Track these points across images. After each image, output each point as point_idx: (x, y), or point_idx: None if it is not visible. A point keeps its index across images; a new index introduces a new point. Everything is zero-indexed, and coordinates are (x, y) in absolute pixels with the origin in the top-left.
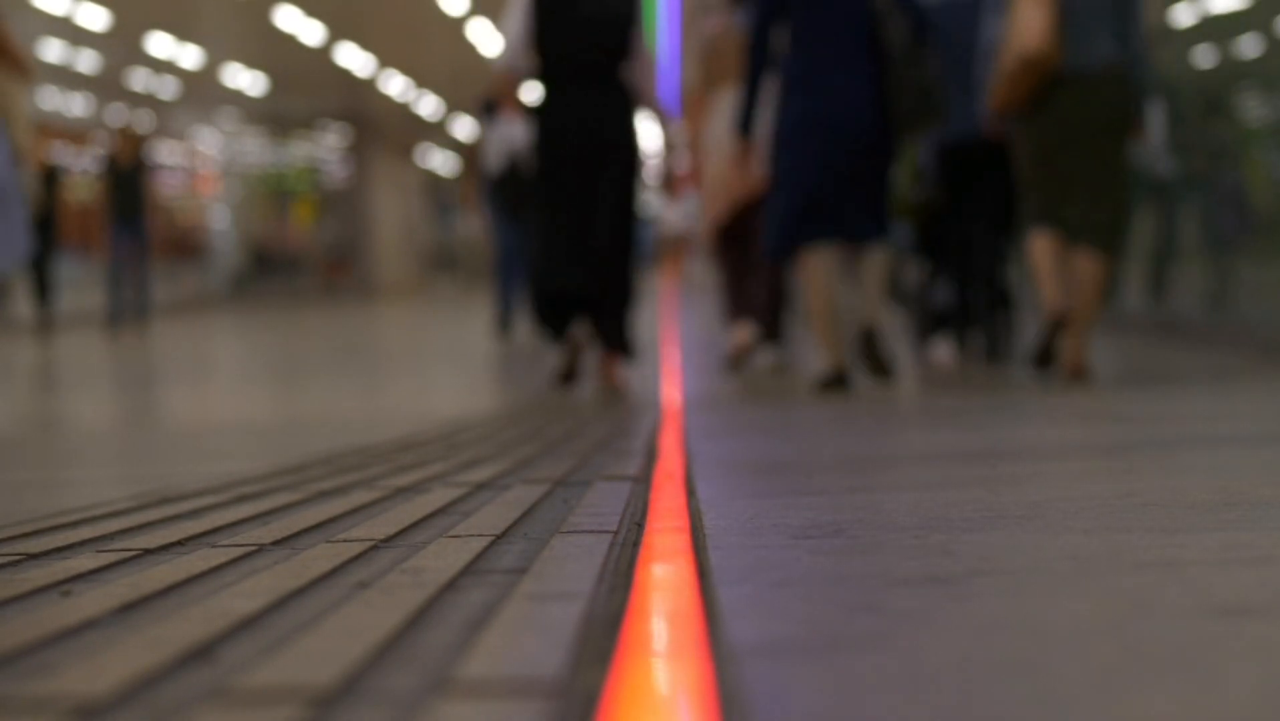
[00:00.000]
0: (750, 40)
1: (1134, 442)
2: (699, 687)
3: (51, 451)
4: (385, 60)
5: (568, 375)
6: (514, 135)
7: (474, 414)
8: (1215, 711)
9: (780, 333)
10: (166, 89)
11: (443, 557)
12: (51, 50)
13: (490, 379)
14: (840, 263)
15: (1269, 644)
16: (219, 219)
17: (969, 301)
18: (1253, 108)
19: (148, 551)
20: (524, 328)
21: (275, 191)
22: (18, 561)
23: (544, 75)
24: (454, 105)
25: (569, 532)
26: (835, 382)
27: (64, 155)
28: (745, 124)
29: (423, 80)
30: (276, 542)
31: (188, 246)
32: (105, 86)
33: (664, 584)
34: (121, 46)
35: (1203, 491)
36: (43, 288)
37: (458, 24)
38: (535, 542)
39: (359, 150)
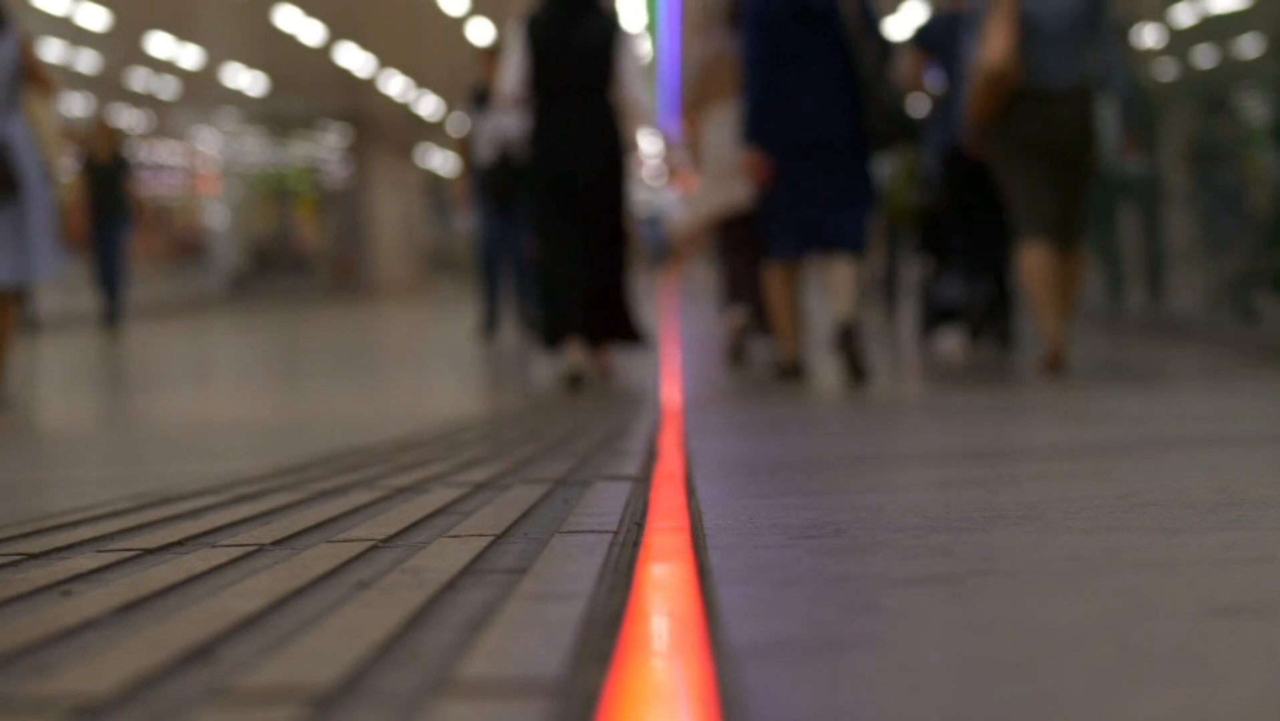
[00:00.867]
0: (746, 60)
1: (1134, 442)
2: (699, 687)
3: (51, 451)
4: (385, 60)
5: (575, 379)
6: (505, 125)
7: (474, 414)
8: (1215, 711)
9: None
10: (166, 89)
11: (443, 557)
12: (51, 50)
13: (490, 379)
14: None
15: (1269, 644)
16: (219, 219)
17: (975, 296)
18: (1252, 108)
19: (148, 551)
20: (511, 330)
21: (275, 191)
22: (18, 561)
23: (538, 97)
24: (454, 105)
25: (569, 532)
26: (790, 371)
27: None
28: (748, 134)
29: (423, 80)
30: (276, 542)
31: (188, 246)
32: (105, 86)
33: (664, 584)
34: (121, 46)
35: (1202, 491)
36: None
37: (458, 24)
38: (535, 542)
39: (359, 150)
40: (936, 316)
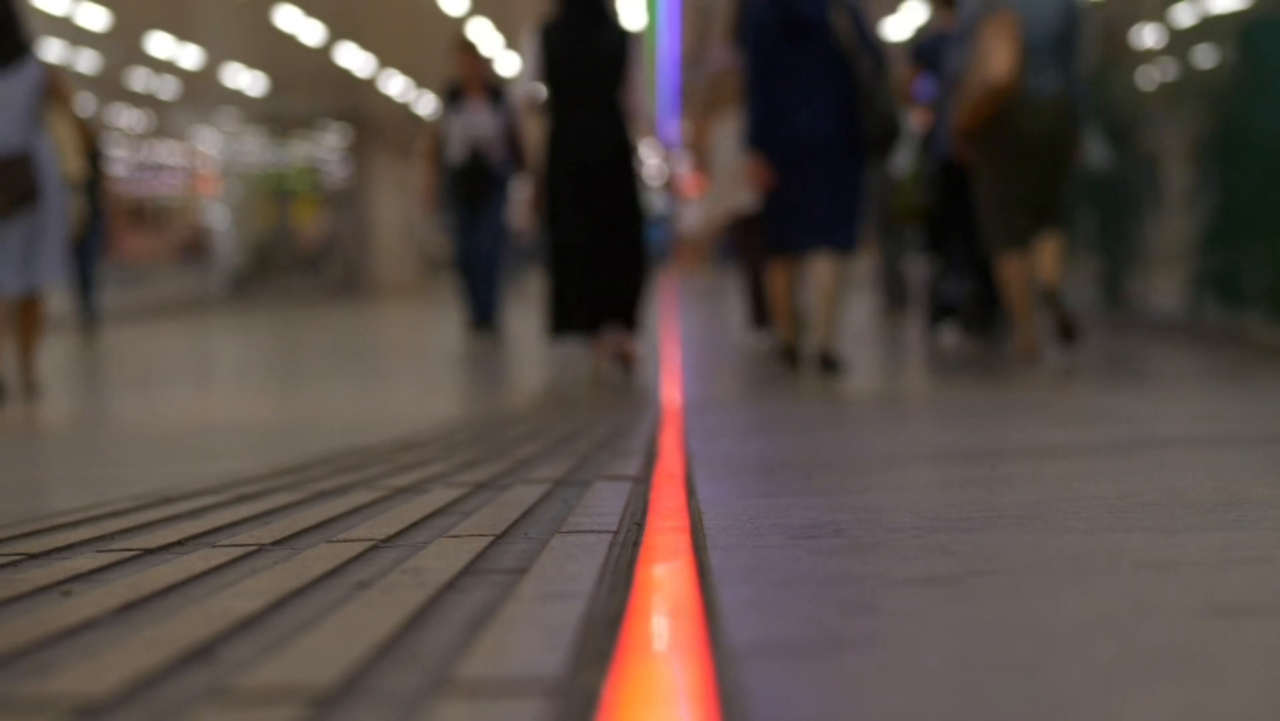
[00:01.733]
0: (748, 72)
1: (1134, 442)
2: (699, 687)
3: (51, 451)
4: (385, 60)
5: (596, 377)
6: (477, 123)
7: (474, 414)
8: (1215, 711)
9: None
10: (166, 89)
11: (443, 557)
12: (51, 50)
13: (489, 379)
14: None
15: (1269, 644)
16: (219, 219)
17: (977, 293)
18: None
19: (148, 551)
20: (500, 329)
21: (275, 191)
22: (18, 561)
23: (553, 102)
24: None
25: (569, 532)
26: (789, 355)
27: None
28: (752, 141)
29: (423, 80)
30: (276, 542)
31: (188, 246)
32: (105, 86)
33: (664, 584)
34: (121, 46)
35: (1202, 491)
36: None
37: (458, 24)
38: (535, 542)
39: (359, 150)
40: (941, 312)
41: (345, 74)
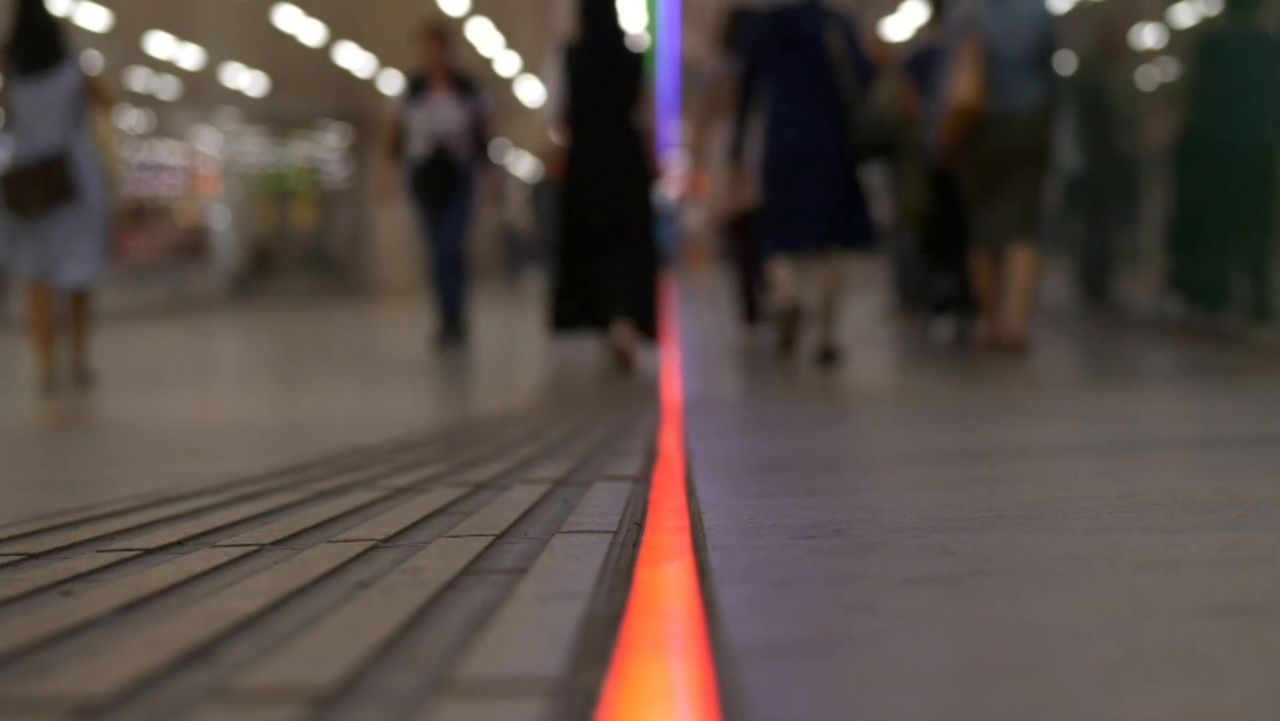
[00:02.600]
0: (739, 87)
1: (1134, 442)
2: (699, 687)
3: (51, 451)
4: (385, 60)
5: (622, 363)
6: (441, 116)
7: (474, 414)
8: (1215, 711)
9: (757, 316)
10: (166, 89)
11: (443, 557)
12: None
13: (490, 379)
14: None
15: (1269, 644)
16: (219, 219)
17: (968, 291)
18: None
19: (148, 551)
20: (468, 338)
21: (275, 191)
22: (18, 561)
23: (573, 116)
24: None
25: (569, 532)
26: (789, 314)
27: None
28: (735, 153)
29: None
30: (276, 542)
31: (188, 246)
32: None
33: (664, 584)
34: (121, 46)
35: (1202, 491)
36: None
37: (458, 24)
38: (535, 542)
39: (359, 150)
40: (938, 308)
41: (345, 74)
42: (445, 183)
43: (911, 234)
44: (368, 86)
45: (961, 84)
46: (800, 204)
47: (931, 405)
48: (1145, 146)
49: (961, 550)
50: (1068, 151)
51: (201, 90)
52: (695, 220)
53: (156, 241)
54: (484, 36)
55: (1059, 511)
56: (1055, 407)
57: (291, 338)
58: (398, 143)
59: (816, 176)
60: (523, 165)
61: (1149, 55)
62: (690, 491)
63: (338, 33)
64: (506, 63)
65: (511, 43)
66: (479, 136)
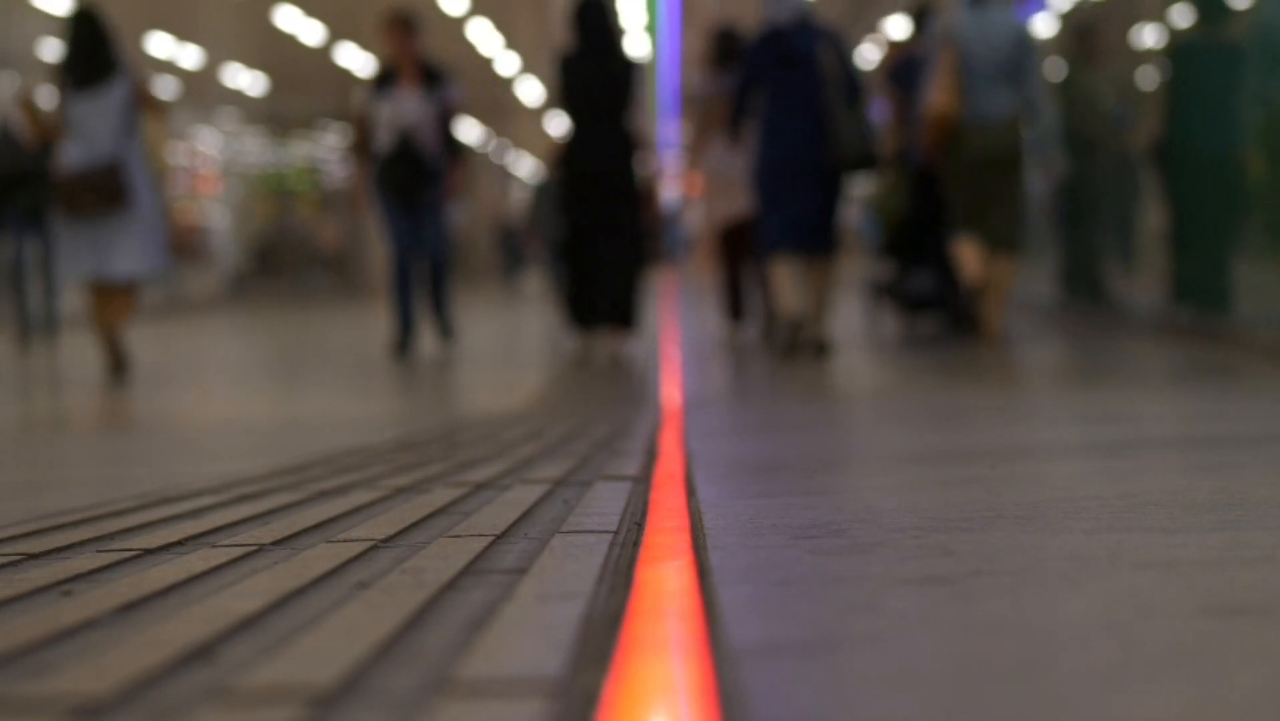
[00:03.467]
0: (732, 100)
1: (1134, 442)
2: (699, 687)
3: (51, 451)
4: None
5: (584, 361)
6: (408, 109)
7: (474, 414)
8: (1215, 711)
9: (743, 314)
10: (166, 89)
11: (443, 557)
12: (52, 50)
13: (489, 379)
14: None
15: (1269, 644)
16: (219, 219)
17: (945, 288)
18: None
19: (148, 551)
20: (427, 344)
21: (275, 191)
22: (18, 561)
23: (572, 120)
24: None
25: (569, 532)
26: (796, 327)
27: None
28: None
29: None
30: (276, 542)
31: (188, 247)
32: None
33: (664, 584)
34: (121, 46)
35: (1202, 491)
36: None
37: (458, 24)
38: (535, 543)
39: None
40: (914, 306)
41: (345, 74)
42: (412, 178)
43: (883, 236)
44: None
45: (934, 94)
46: (792, 211)
47: (931, 405)
48: (1130, 148)
49: (961, 550)
50: (1057, 157)
51: (201, 90)
52: (695, 221)
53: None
54: (484, 36)
55: (1059, 511)
56: (1055, 407)
57: (291, 337)
58: (367, 140)
59: (806, 187)
60: (523, 165)
61: (1130, 59)
62: (690, 491)
63: (338, 33)
64: (506, 63)
65: (511, 43)
66: (446, 129)
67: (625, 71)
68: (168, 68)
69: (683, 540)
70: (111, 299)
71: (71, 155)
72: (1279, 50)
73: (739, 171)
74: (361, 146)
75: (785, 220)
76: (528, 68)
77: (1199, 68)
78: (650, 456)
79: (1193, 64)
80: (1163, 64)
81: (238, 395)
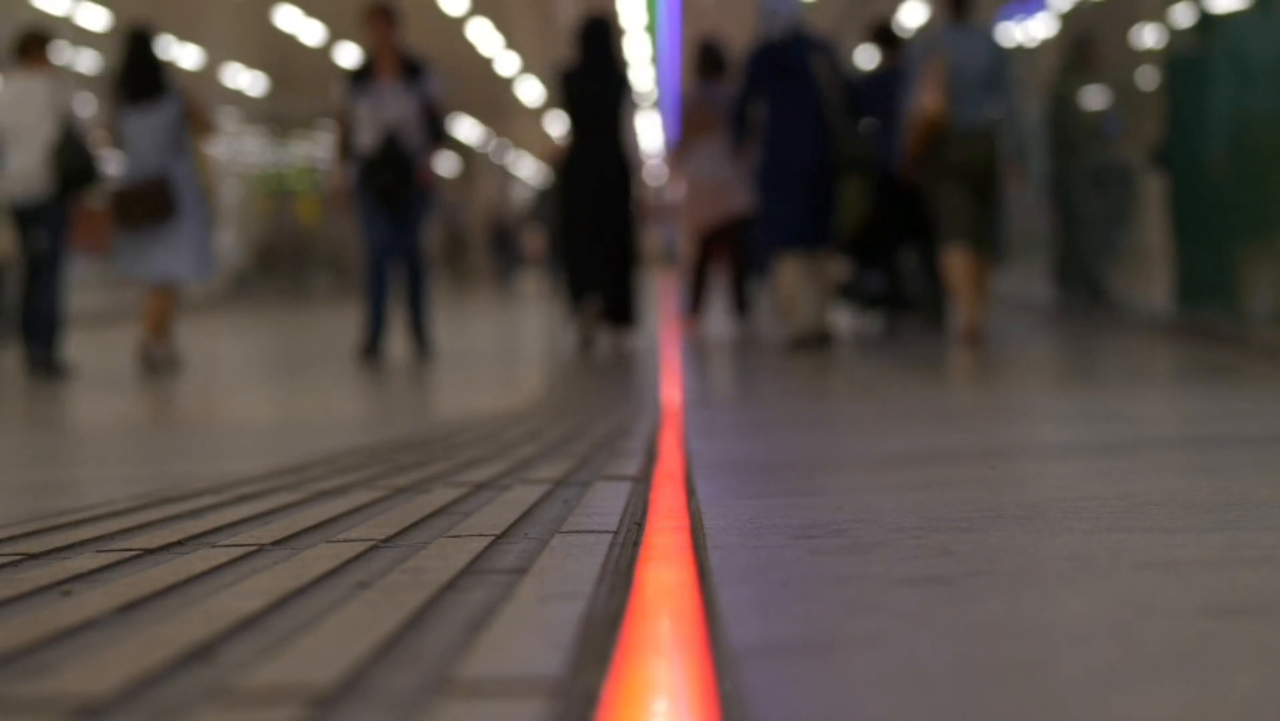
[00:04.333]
0: (734, 108)
1: (1134, 442)
2: (699, 687)
3: (51, 451)
4: None
5: (587, 341)
6: (389, 105)
7: (474, 414)
8: (1215, 711)
9: (746, 306)
10: None
11: (443, 557)
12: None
13: (489, 379)
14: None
15: (1269, 644)
16: (219, 219)
17: (899, 288)
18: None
19: (148, 551)
20: (396, 349)
21: (275, 191)
22: (18, 561)
23: (572, 133)
24: (454, 105)
25: (569, 532)
26: (801, 344)
27: None
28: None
29: None
30: (276, 542)
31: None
32: (106, 86)
33: (664, 584)
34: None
35: (1202, 491)
36: None
37: (458, 24)
38: (535, 542)
39: None
40: (867, 304)
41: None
42: (398, 178)
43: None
44: None
45: (927, 99)
46: (794, 211)
47: (930, 405)
48: (1124, 152)
49: (961, 550)
50: (1028, 167)
51: (201, 90)
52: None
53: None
54: (484, 36)
55: (1059, 511)
56: (1054, 407)
57: (290, 337)
58: (348, 138)
59: (806, 188)
60: (523, 165)
61: (1129, 60)
62: (690, 491)
63: (338, 33)
64: (506, 63)
65: (511, 43)
66: (430, 124)
67: (622, 89)
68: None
69: (683, 540)
70: (156, 298)
71: (122, 168)
72: (1247, 64)
73: (720, 177)
74: (342, 145)
75: (788, 221)
76: (528, 68)
77: (1192, 82)
78: (650, 456)
79: (1187, 78)
80: (1161, 67)
81: (237, 395)
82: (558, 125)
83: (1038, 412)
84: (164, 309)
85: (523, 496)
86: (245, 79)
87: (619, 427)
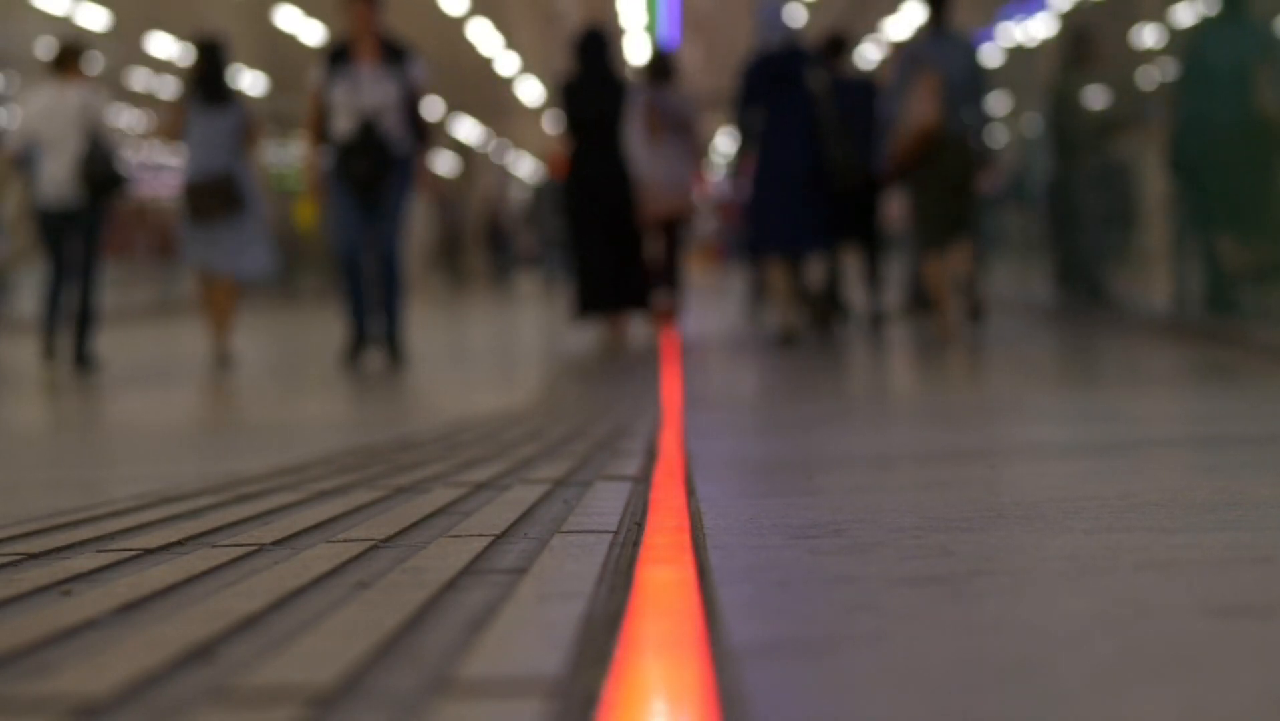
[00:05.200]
0: (738, 120)
1: (1134, 442)
2: (699, 687)
3: (51, 451)
4: None
5: (613, 349)
6: (368, 90)
7: (474, 414)
8: (1215, 711)
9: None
10: (167, 89)
11: (443, 557)
12: (52, 50)
13: (490, 379)
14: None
15: (1269, 644)
16: None
17: (827, 294)
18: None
19: (148, 551)
20: (403, 350)
21: (275, 191)
22: (18, 561)
23: (575, 139)
24: (454, 105)
25: (569, 532)
26: (787, 340)
27: None
28: (741, 154)
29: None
30: (276, 542)
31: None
32: (105, 86)
33: (664, 584)
34: (121, 46)
35: (1202, 491)
36: None
37: (458, 24)
38: (535, 542)
39: None
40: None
41: None
42: (375, 168)
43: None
44: None
45: (925, 110)
46: (788, 213)
47: (930, 405)
48: (1124, 150)
49: (961, 550)
50: (1000, 169)
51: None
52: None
53: (156, 241)
54: (484, 36)
55: (1059, 511)
56: (1054, 407)
57: (290, 337)
58: (322, 124)
59: (796, 193)
60: (523, 165)
61: (1129, 60)
62: (690, 491)
63: (338, 33)
64: (506, 63)
65: (511, 43)
66: (412, 114)
67: (620, 97)
68: (168, 68)
69: (683, 540)
70: (221, 292)
71: (189, 165)
72: (1213, 74)
73: (660, 175)
74: (316, 130)
75: (776, 226)
76: (528, 68)
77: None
78: (650, 456)
79: (1212, 43)
80: (1182, 49)
81: (237, 394)
82: (560, 134)
83: (1038, 412)
84: (230, 305)
85: (523, 496)
86: (245, 79)
87: (619, 427)
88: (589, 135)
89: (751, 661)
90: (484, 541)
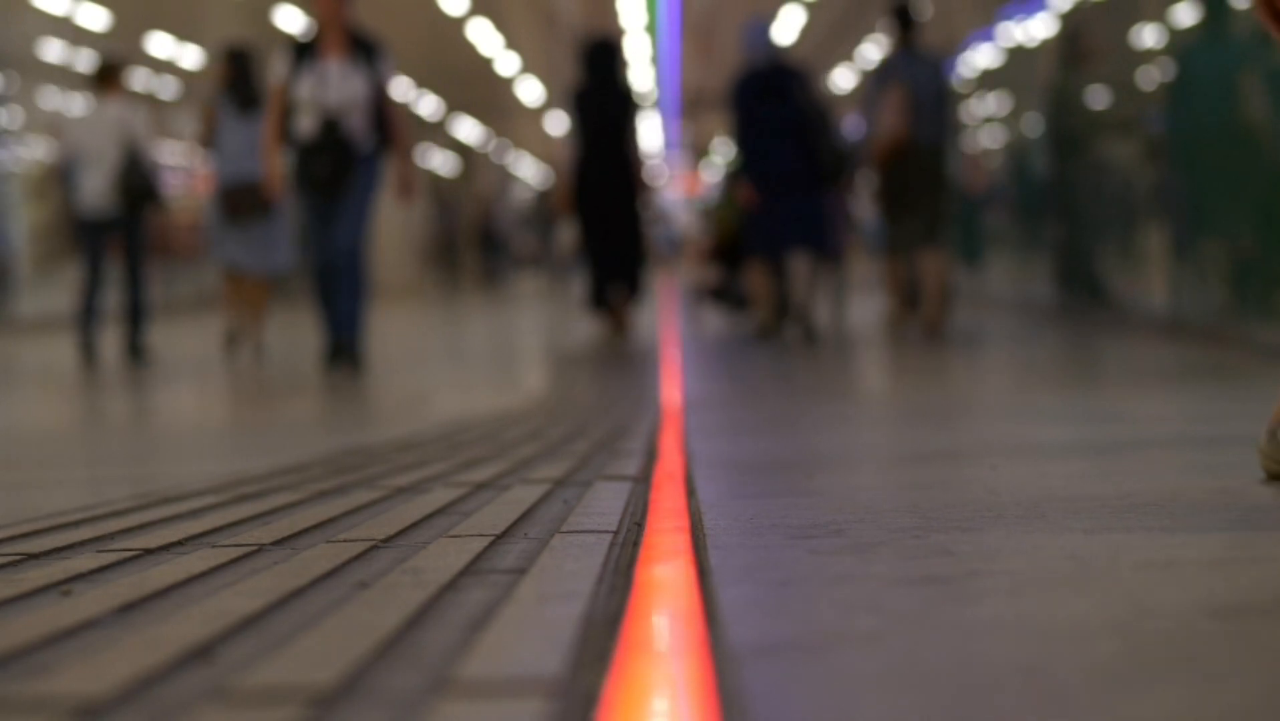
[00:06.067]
0: (737, 136)
1: (1134, 442)
2: (699, 687)
3: (51, 451)
4: None
5: (614, 336)
6: (334, 86)
7: (474, 414)
8: (1215, 711)
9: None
10: (166, 89)
11: (443, 557)
12: (52, 50)
13: (490, 379)
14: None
15: (1269, 644)
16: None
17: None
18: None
19: (148, 551)
20: (361, 357)
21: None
22: (18, 561)
23: (581, 147)
24: (454, 105)
25: (569, 532)
26: (766, 333)
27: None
28: (743, 172)
29: (423, 80)
30: (276, 542)
31: (187, 246)
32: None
33: (664, 584)
34: (121, 46)
35: (1202, 491)
36: None
37: (458, 24)
38: (535, 542)
39: None
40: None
41: None
42: (338, 169)
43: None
44: None
45: (895, 121)
46: (776, 219)
47: (929, 405)
48: (1123, 148)
49: (961, 550)
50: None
51: (202, 90)
52: (688, 221)
53: (156, 241)
54: (484, 36)
55: (1059, 511)
56: (1054, 407)
57: (289, 337)
58: (284, 122)
59: (786, 199)
60: (523, 165)
61: (1129, 59)
62: (690, 491)
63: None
64: (506, 63)
65: (511, 43)
66: (381, 114)
67: (626, 105)
68: (168, 68)
69: (683, 540)
70: (252, 289)
71: (222, 168)
72: (1196, 86)
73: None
74: (278, 130)
75: (763, 230)
76: (528, 68)
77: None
78: (650, 456)
79: (1199, 63)
80: (1168, 64)
81: (238, 394)
82: (568, 140)
83: (1038, 412)
84: (262, 302)
85: (523, 496)
86: None
87: (619, 427)
88: (596, 142)
89: (751, 661)
90: (484, 541)
